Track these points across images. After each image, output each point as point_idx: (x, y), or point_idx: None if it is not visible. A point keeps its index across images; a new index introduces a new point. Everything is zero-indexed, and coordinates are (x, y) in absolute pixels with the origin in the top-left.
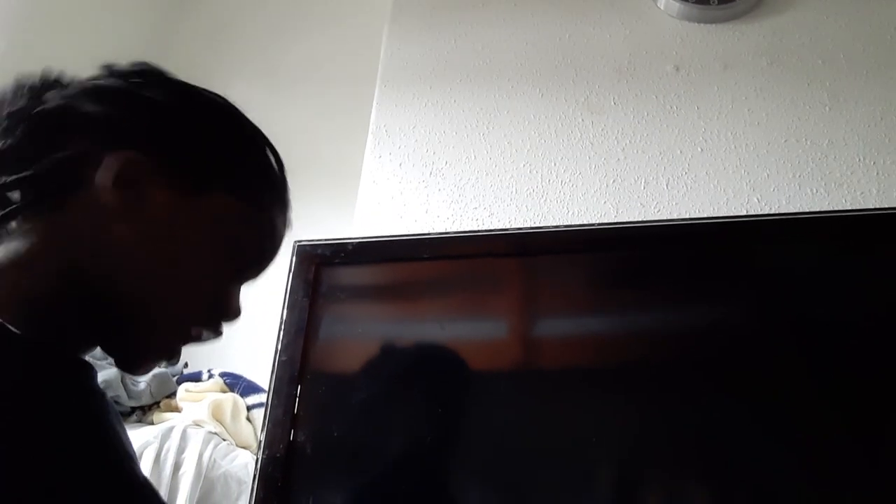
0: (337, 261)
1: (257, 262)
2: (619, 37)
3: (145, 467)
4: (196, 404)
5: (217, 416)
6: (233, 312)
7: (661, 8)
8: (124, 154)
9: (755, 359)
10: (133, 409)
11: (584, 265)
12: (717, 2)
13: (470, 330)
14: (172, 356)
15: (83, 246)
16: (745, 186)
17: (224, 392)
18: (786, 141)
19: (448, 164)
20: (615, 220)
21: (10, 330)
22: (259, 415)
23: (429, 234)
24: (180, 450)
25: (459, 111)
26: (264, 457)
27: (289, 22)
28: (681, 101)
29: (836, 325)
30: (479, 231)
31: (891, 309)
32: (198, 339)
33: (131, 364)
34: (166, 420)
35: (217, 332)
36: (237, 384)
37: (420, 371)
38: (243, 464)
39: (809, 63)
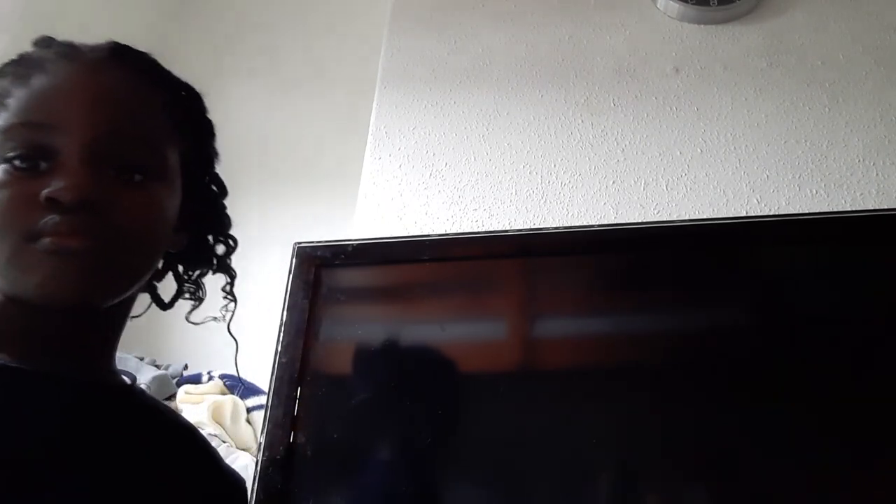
0: (337, 262)
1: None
2: (618, 38)
3: None
4: (196, 406)
5: (217, 418)
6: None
7: (661, 9)
8: None
9: (755, 360)
10: None
11: (583, 266)
12: (716, 3)
13: (470, 331)
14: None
15: None
16: (745, 187)
17: (224, 394)
18: (785, 142)
19: (448, 166)
20: (615, 222)
21: None
22: (259, 417)
23: (429, 235)
24: None
25: (459, 113)
26: (264, 459)
27: (289, 24)
28: (680, 103)
29: (836, 327)
30: (478, 232)
31: (891, 310)
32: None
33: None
34: None
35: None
36: (237, 386)
37: (420, 373)
38: (243, 466)
39: (809, 64)
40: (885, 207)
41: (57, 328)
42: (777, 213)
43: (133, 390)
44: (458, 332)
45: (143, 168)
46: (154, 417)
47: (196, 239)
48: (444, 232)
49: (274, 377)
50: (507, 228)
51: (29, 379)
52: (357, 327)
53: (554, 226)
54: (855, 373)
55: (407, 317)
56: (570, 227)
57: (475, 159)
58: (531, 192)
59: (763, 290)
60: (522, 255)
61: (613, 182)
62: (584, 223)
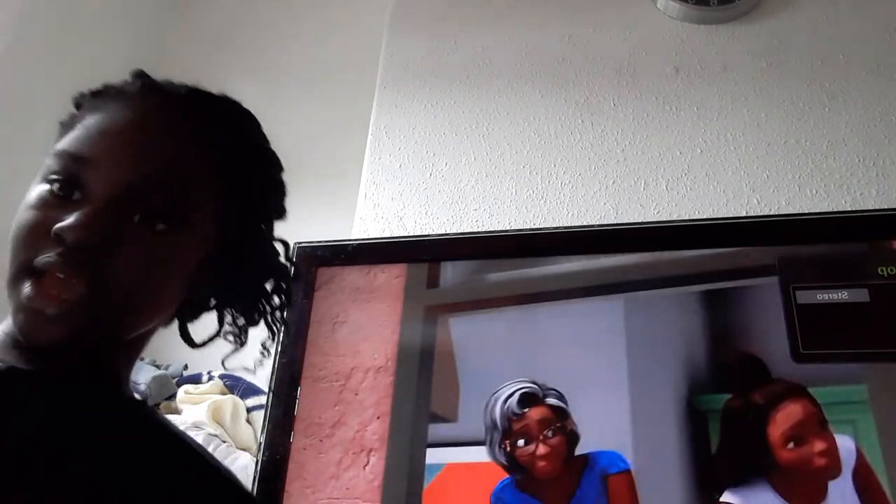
0: (337, 262)
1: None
2: (618, 38)
3: None
4: (196, 406)
5: (217, 418)
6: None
7: (661, 9)
8: None
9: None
10: None
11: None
12: (716, 3)
13: (469, 330)
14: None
15: None
16: (745, 187)
17: (224, 394)
18: (785, 142)
19: (448, 166)
20: (615, 222)
21: None
22: (259, 416)
23: (429, 235)
24: None
25: (459, 112)
26: (264, 459)
27: (289, 23)
28: (680, 103)
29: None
30: (478, 232)
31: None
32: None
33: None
34: None
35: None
36: (237, 386)
37: (418, 372)
38: (243, 466)
39: (809, 64)
40: (885, 207)
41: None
42: (777, 213)
43: (142, 408)
44: (458, 331)
45: (167, 217)
46: (160, 433)
47: (250, 289)
48: (444, 232)
49: (274, 377)
50: (507, 228)
51: (36, 384)
52: (357, 327)
53: (554, 226)
54: None
55: (406, 316)
56: (570, 227)
57: (475, 159)
58: (531, 192)
59: (761, 291)
60: (522, 255)
61: (613, 182)
62: (584, 223)
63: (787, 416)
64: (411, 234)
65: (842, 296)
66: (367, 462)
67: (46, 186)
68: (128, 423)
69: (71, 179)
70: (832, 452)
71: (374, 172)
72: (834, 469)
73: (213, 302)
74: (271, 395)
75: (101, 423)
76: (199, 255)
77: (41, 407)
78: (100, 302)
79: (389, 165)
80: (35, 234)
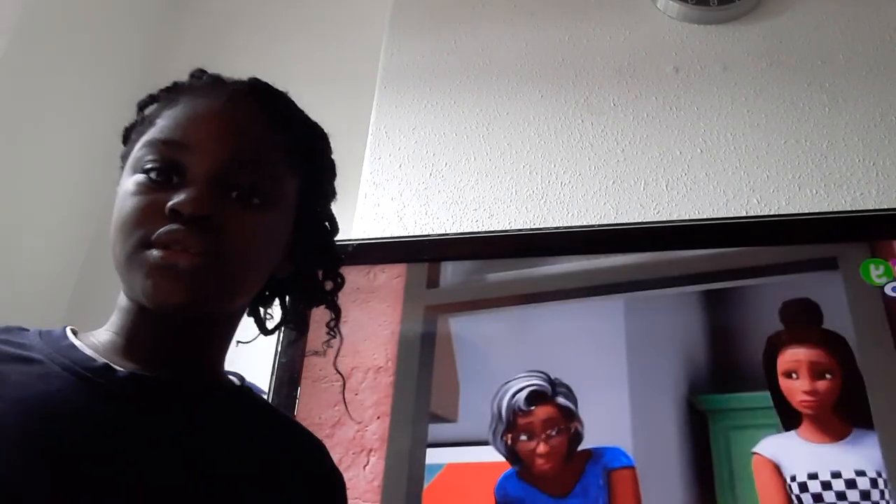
0: None
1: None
2: (618, 38)
3: None
4: None
5: None
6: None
7: (661, 9)
8: None
9: None
10: None
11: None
12: (716, 3)
13: (468, 328)
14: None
15: None
16: (745, 187)
17: None
18: (785, 142)
19: (448, 166)
20: (615, 222)
21: None
22: None
23: (429, 235)
24: None
25: (459, 112)
26: None
27: (288, 23)
28: (680, 103)
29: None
30: (478, 232)
31: None
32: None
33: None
34: None
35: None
36: None
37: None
38: None
39: (809, 64)
40: (885, 207)
41: (170, 335)
42: (777, 213)
43: (242, 390)
44: (458, 331)
45: (260, 193)
46: (264, 415)
47: (305, 272)
48: (444, 232)
49: (274, 377)
50: (507, 228)
51: (148, 384)
52: (357, 327)
53: (554, 226)
54: None
55: (406, 316)
56: (570, 227)
57: (475, 159)
58: (531, 191)
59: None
60: (522, 255)
61: (613, 182)
62: (584, 223)
63: (795, 352)
64: (411, 234)
65: None
66: (367, 462)
67: (143, 175)
68: (235, 413)
69: (168, 165)
70: (817, 394)
71: (374, 172)
72: (814, 412)
73: (288, 280)
74: (271, 395)
75: (211, 420)
76: (287, 231)
77: (171, 411)
78: (215, 269)
79: (389, 165)
80: (145, 215)
